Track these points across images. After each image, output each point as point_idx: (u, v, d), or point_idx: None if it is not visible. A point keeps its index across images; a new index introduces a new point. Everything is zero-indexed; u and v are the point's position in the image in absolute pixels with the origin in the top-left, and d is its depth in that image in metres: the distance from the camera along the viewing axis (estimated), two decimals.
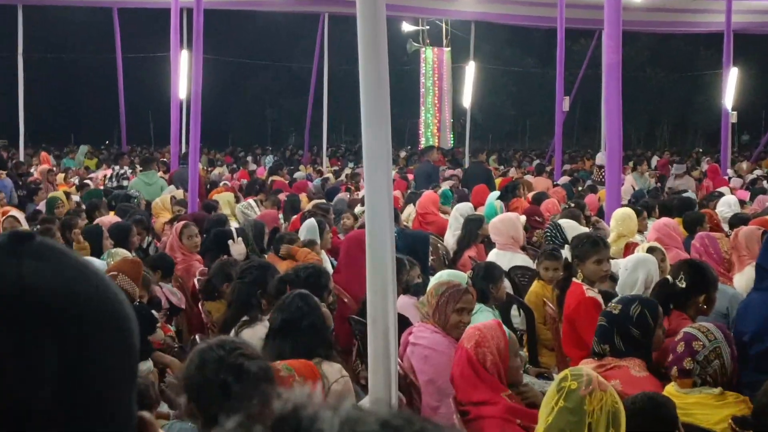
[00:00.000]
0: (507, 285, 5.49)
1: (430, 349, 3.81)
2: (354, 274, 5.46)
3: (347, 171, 19.50)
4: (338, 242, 7.25)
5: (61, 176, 15.44)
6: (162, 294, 5.50)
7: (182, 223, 6.46)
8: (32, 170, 16.39)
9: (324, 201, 9.68)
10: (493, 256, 6.53)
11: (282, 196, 10.10)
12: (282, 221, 8.78)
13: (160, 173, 12.48)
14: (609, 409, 2.41)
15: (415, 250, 6.12)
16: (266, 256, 6.12)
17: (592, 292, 4.32)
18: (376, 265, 3.03)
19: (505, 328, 3.17)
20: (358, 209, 9.12)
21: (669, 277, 4.06)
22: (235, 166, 21.99)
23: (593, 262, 4.44)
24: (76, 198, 10.37)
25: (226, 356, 2.28)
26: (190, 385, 2.25)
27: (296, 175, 16.31)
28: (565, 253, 4.66)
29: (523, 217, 7.54)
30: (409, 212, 9.83)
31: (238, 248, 5.94)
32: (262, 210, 9.17)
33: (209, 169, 20.96)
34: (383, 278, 3.04)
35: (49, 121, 36.58)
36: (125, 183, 12.35)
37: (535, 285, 5.58)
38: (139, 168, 14.81)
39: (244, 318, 4.11)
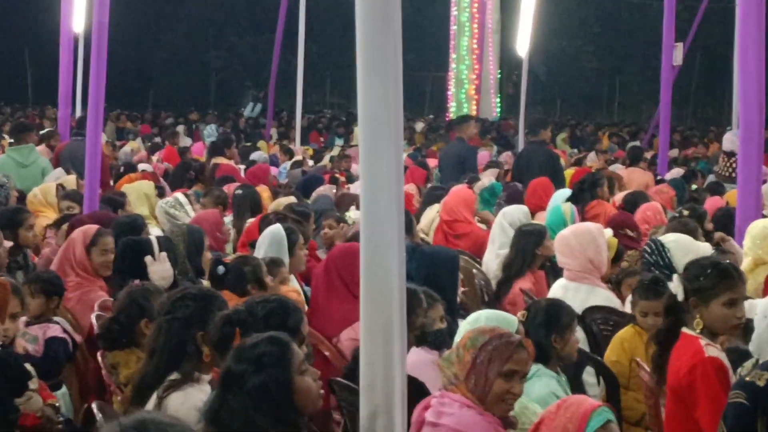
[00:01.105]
0: (580, 335, 5.50)
1: None
2: (339, 312, 5.47)
3: (333, 152, 19.57)
4: (316, 265, 7.27)
5: None
6: (64, 333, 5.52)
7: (95, 229, 6.49)
8: None
9: (296, 200, 9.72)
10: (559, 290, 6.56)
11: (231, 189, 10.14)
12: (229, 228, 8.79)
13: (42, 148, 12.53)
14: None
15: (437, 277, 6.14)
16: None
17: (714, 350, 4.31)
18: (374, 300, 3.07)
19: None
20: (352, 213, 9.16)
21: None
22: (157, 139, 22.05)
23: (722, 303, 4.39)
24: None
25: None
26: None
27: (254, 156, 16.39)
28: (673, 287, 4.62)
29: (609, 231, 7.54)
30: (431, 219, 9.86)
31: (160, 269, 5.95)
32: (198, 209, 9.19)
33: (118, 143, 21.03)
34: (386, 321, 3.08)
35: None
36: None
37: (627, 331, 5.63)
38: (8, 140, 14.85)
39: (173, 377, 4.13)
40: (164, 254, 6.03)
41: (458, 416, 3.81)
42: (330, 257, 6.11)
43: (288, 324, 4.14)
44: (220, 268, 5.93)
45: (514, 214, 8.44)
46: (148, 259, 5.98)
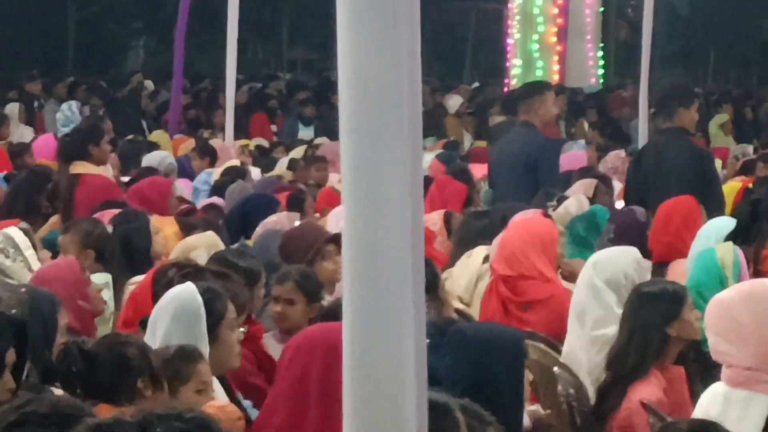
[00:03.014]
0: None
1: None
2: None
3: (295, 151, 19.55)
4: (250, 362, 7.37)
5: None
6: None
7: None
8: None
9: (225, 245, 9.72)
10: (714, 402, 6.56)
11: (105, 217, 10.16)
12: (101, 290, 8.81)
13: None
14: None
15: (487, 380, 6.23)
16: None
17: None
18: (369, 425, 3.12)
19: None
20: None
21: None
22: None
23: None
24: None
25: None
26: None
27: (149, 159, 16.44)
28: None
29: None
30: (474, 273, 9.90)
31: None
32: (46, 256, 9.23)
33: None
34: None
35: None
36: None
37: None
38: None
39: None
40: None
41: None
42: (295, 346, 6.12)
43: None
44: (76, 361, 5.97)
45: (616, 264, 8.45)
46: None
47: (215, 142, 20.11)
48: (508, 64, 32.36)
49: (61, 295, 7.49)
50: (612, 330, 7.72)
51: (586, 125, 25.76)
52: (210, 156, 18.18)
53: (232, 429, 5.54)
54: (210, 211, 12.94)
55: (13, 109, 24.70)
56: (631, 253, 8.71)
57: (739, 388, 6.54)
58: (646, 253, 10.11)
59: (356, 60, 3.10)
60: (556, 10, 30.53)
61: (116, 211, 10.68)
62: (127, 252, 9.38)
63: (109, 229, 9.82)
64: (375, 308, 3.09)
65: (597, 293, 8.19)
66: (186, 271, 7.67)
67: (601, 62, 32.94)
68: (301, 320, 8.14)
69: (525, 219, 9.90)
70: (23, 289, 7.11)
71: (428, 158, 17.31)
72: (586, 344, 8.07)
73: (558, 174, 13.21)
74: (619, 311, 7.85)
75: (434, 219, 11.35)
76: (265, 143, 22.88)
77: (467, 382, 6.05)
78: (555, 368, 7.97)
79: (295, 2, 40.44)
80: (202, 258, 8.67)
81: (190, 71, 28.24)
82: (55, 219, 11.88)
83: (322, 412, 5.63)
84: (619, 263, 8.41)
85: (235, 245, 10.10)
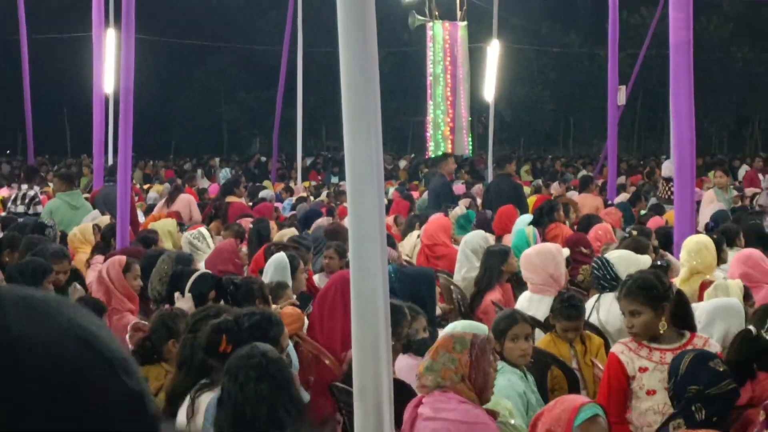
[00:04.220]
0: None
1: (462, 423, 3.70)
2: (336, 325, 5.52)
3: (330, 189, 19.60)
4: (312, 287, 7.40)
5: None
6: None
7: (125, 258, 6.60)
8: None
9: (298, 233, 9.69)
10: (524, 301, 6.59)
11: (246, 222, 10.14)
12: (246, 257, 8.81)
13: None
14: None
15: (419, 293, 6.20)
16: None
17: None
18: (363, 315, 3.09)
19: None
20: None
21: (752, 327, 4.10)
22: (179, 182, 22.02)
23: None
24: None
25: None
26: None
27: (263, 194, 16.41)
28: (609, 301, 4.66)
29: (566, 250, 7.59)
30: (413, 243, 9.91)
31: (186, 304, 5.92)
32: (218, 241, 9.23)
33: (145, 187, 21.03)
34: (373, 332, 3.10)
35: None
36: (40, 208, 12.20)
37: (544, 339, 5.53)
38: (51, 185, 14.82)
39: (203, 381, 4.12)
40: (190, 296, 6.02)
41: (461, 410, 3.71)
42: (333, 281, 6.03)
43: (269, 335, 4.10)
44: (232, 288, 5.96)
45: (474, 240, 8.43)
46: (177, 295, 5.98)
47: (292, 185, 20.13)
48: (427, 145, 32.18)
49: (226, 257, 7.63)
50: (471, 275, 7.83)
51: (464, 173, 25.72)
52: (290, 192, 18.20)
53: (296, 320, 5.50)
54: (291, 218, 12.99)
55: (199, 172, 24.77)
56: (481, 233, 8.75)
57: (536, 294, 6.59)
58: (492, 232, 10.17)
59: (353, 142, 3.11)
60: (448, 119, 30.41)
61: (248, 219, 10.67)
62: (259, 237, 9.32)
63: (249, 227, 9.81)
64: (365, 257, 3.10)
65: (467, 256, 8.23)
66: (279, 246, 7.67)
67: (471, 143, 32.82)
68: (337, 267, 8.06)
69: (435, 218, 9.90)
70: (173, 254, 7.10)
71: (391, 190, 17.40)
72: (461, 280, 8.12)
73: (451, 197, 13.20)
74: (477, 264, 7.89)
75: (390, 219, 11.45)
76: (315, 184, 22.98)
77: (408, 295, 6.02)
78: (451, 286, 7.99)
79: (329, 116, 40.21)
80: (286, 240, 8.67)
81: (280, 151, 28.13)
82: (217, 222, 11.81)
83: (338, 307, 5.60)
84: (475, 240, 8.42)
85: (302, 233, 10.07)
